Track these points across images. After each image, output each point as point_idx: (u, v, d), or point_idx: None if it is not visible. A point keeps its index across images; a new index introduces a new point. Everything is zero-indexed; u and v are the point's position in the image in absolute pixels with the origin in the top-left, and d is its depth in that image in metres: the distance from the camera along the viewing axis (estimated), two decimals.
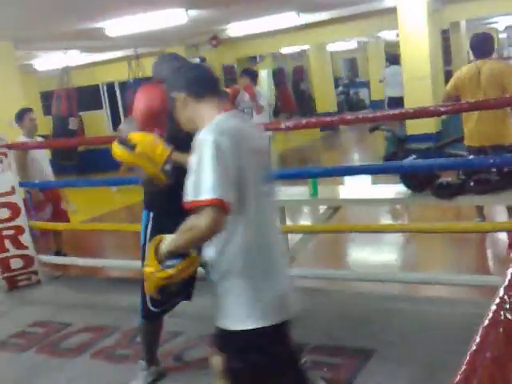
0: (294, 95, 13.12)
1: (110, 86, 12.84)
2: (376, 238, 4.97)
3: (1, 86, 6.66)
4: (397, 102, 9.66)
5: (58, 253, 5.40)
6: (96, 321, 3.82)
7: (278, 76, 13.16)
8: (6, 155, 4.39)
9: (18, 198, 4.44)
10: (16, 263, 4.52)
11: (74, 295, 4.45)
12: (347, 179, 6.24)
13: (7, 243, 4.44)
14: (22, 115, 5.24)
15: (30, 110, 5.45)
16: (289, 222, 5.24)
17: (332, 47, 14.81)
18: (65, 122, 9.70)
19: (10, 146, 4.46)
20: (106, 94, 12.96)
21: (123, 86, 12.03)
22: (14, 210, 4.41)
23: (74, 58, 9.88)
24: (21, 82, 7.20)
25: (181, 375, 3.03)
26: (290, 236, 4.12)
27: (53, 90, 10.63)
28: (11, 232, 4.44)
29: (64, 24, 6.42)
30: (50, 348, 3.52)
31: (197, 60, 9.61)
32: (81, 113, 10.83)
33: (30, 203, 5.14)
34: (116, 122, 11.83)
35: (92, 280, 4.88)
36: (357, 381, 2.73)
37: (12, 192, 4.38)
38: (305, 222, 6.24)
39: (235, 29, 8.55)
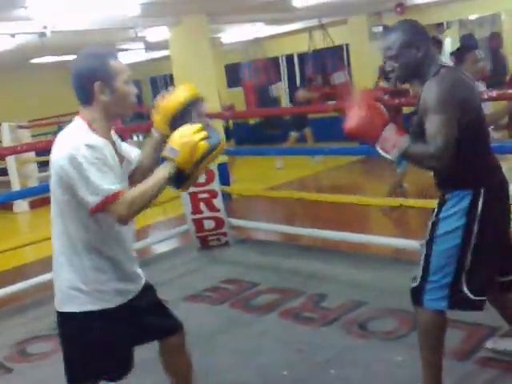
0: (491, 64, 12.17)
1: (289, 58, 13.08)
2: None
3: (195, 58, 7.13)
4: None
5: None
6: (282, 283, 4.02)
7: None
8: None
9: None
10: (208, 224, 4.90)
11: (260, 258, 4.71)
12: None
13: (202, 205, 4.84)
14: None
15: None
16: None
17: None
18: (266, 91, 10.24)
19: (209, 116, 4.79)
20: (285, 66, 13.25)
21: (302, 57, 12.21)
22: (209, 176, 4.77)
23: (259, 30, 10.21)
24: (212, 55, 7.64)
25: (364, 344, 3.08)
26: None
27: (238, 63, 11.16)
28: (206, 195, 4.82)
29: None
30: (241, 304, 3.80)
31: (379, 28, 9.40)
32: None
33: None
34: (293, 94, 12.09)
35: (274, 244, 5.12)
36: None
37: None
38: None
39: None
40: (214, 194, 4.83)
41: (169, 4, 6.36)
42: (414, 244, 3.93)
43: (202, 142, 1.89)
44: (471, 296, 2.20)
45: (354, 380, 2.75)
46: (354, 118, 2.20)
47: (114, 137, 2.05)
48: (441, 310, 2.25)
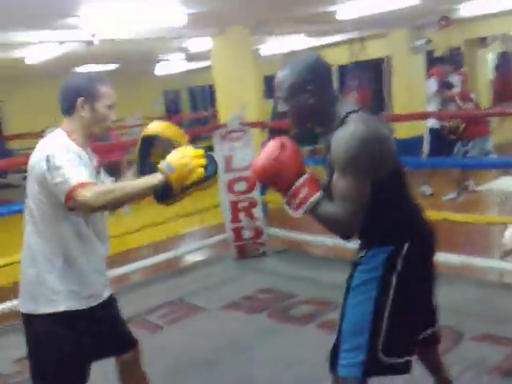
0: None
1: None
2: None
3: (237, 69, 7.19)
4: None
5: None
6: (320, 294, 3.99)
7: (500, 60, 12.03)
8: (245, 132, 4.78)
9: None
10: (247, 233, 4.91)
11: (299, 269, 4.69)
12: None
13: (241, 214, 4.86)
14: None
15: None
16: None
17: None
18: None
19: (250, 124, 4.84)
20: None
21: (341, 69, 12.19)
22: (250, 184, 4.79)
23: (298, 42, 10.25)
24: (252, 66, 7.69)
25: None
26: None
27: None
28: (246, 204, 4.83)
29: (297, 8, 6.70)
30: (279, 313, 3.79)
31: (422, 42, 9.30)
32: None
33: None
34: None
35: (314, 257, 5.09)
36: None
37: (249, 167, 4.75)
38: None
39: (469, 8, 8.06)
40: (253, 204, 4.85)
41: (214, 14, 6.45)
42: (453, 259, 3.89)
43: (200, 169, 1.91)
44: (387, 359, 1.91)
45: None
46: (263, 158, 1.87)
47: (91, 155, 2.14)
48: (361, 379, 1.94)
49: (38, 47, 7.12)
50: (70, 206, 1.92)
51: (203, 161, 1.93)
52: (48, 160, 1.92)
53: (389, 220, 1.94)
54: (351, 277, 2.02)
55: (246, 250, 4.98)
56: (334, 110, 1.93)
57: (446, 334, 3.17)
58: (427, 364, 2.36)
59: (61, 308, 2.02)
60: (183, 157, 1.92)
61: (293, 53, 10.82)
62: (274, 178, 1.87)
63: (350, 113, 1.88)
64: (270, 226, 5.14)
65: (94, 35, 6.03)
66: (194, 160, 1.92)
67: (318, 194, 1.85)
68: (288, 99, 1.94)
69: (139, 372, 2.31)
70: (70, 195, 1.88)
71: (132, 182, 1.97)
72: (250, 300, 4.11)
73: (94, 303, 2.09)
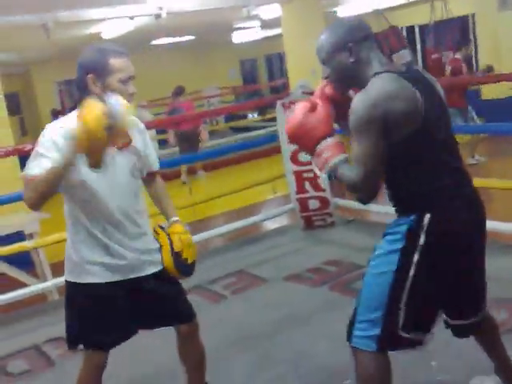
0: None
1: (410, 30, 12.52)
2: None
3: (307, 32, 7.00)
4: None
5: None
6: None
7: None
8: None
9: None
10: (313, 204, 4.83)
11: (365, 240, 4.53)
12: None
13: (307, 185, 4.77)
14: None
15: None
16: None
17: None
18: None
19: (313, 93, 4.69)
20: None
21: (423, 29, 11.62)
22: None
23: (377, 2, 9.85)
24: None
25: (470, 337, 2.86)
26: None
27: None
28: (311, 175, 4.73)
29: None
30: (341, 286, 3.71)
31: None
32: None
33: None
34: None
35: (381, 226, 4.92)
36: None
37: None
38: None
39: None
40: None
41: None
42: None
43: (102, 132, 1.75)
44: (406, 334, 1.85)
45: (457, 372, 2.58)
46: (292, 119, 1.90)
47: None
48: (376, 352, 1.87)
49: (111, 22, 7.28)
50: None
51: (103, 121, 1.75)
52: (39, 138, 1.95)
53: (412, 187, 1.83)
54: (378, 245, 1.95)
55: (313, 220, 4.90)
56: (367, 71, 1.85)
57: None
58: (485, 348, 2.24)
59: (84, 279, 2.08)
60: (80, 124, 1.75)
61: (376, 11, 10.42)
62: (300, 138, 1.89)
63: (375, 74, 1.80)
64: (338, 196, 5.02)
65: (161, 8, 6.07)
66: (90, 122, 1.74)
67: (339, 156, 1.83)
68: (329, 61, 1.88)
69: (193, 347, 2.32)
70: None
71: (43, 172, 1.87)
72: (313, 272, 4.05)
73: (121, 277, 2.08)
